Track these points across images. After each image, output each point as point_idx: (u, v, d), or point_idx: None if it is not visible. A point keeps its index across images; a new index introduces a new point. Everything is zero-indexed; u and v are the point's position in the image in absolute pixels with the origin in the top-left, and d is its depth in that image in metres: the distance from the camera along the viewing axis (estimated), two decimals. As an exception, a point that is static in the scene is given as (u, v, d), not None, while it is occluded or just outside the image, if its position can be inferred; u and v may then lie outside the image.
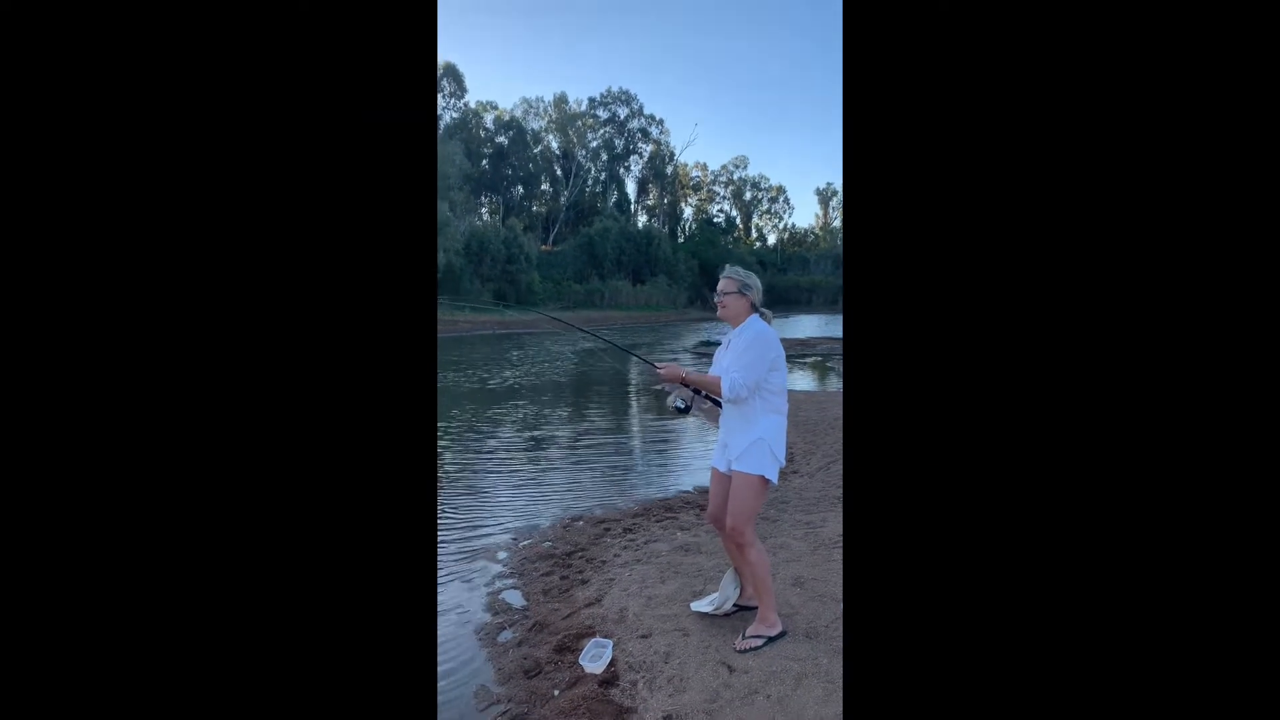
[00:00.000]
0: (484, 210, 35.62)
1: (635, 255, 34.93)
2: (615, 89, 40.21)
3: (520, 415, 7.36)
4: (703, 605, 2.43)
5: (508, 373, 11.13)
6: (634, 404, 8.61)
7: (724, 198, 51.28)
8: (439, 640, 2.45)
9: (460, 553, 3.31)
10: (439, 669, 2.27)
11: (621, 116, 40.13)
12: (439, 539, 3.48)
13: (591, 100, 39.40)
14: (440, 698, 2.12)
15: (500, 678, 2.22)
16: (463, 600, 2.80)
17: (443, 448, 5.61)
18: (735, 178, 51.56)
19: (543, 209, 38.12)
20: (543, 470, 5.00)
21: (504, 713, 2.03)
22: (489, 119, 37.21)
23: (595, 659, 2.21)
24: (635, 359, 2.90)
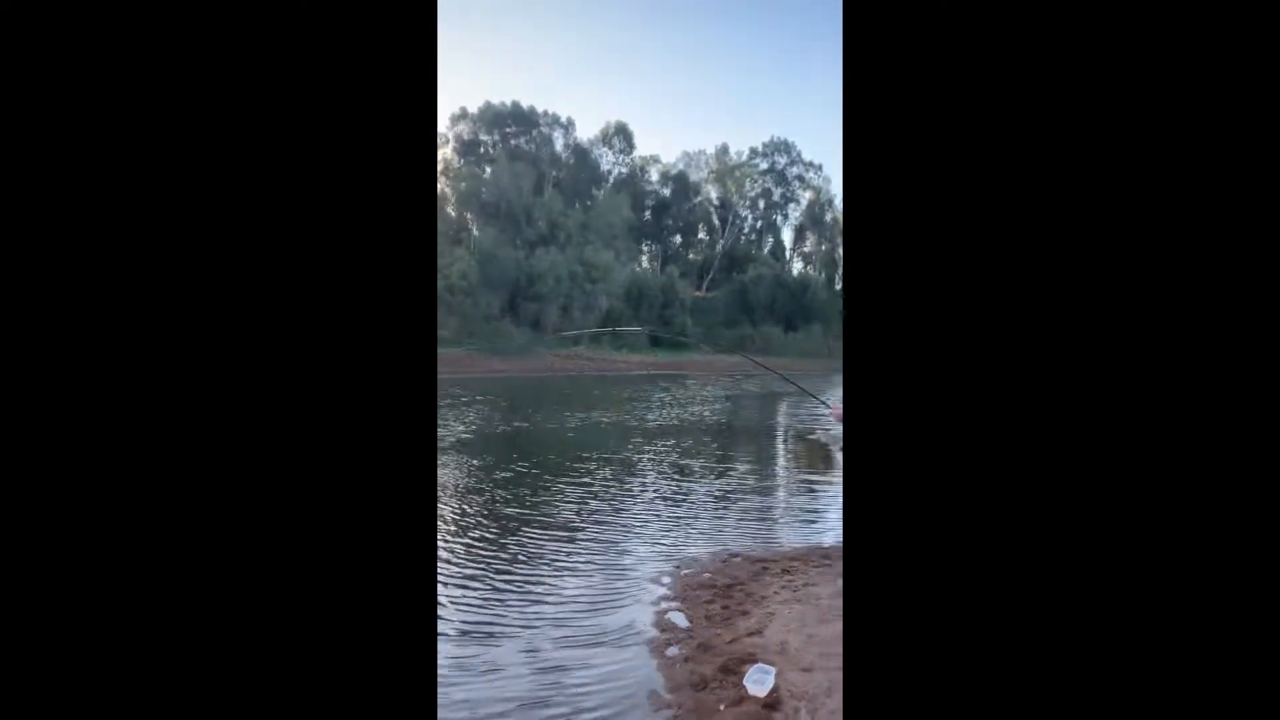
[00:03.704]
0: (644, 258, 37.48)
1: (789, 302, 34.56)
2: (776, 138, 40.71)
3: (671, 454, 7.66)
4: (865, 649, 2.48)
5: (652, 415, 11.54)
6: (782, 449, 8.57)
7: (886, 245, 49.00)
8: (613, 651, 2.74)
9: (627, 577, 3.61)
10: (610, 669, 2.54)
11: (780, 165, 40.47)
12: (605, 563, 3.82)
13: (753, 150, 40.30)
14: (617, 694, 2.39)
15: (670, 686, 2.44)
16: (634, 616, 3.07)
17: (606, 476, 6.05)
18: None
19: (699, 256, 39.22)
20: (696, 506, 5.21)
21: (674, 716, 2.25)
22: (654, 172, 39.41)
23: (759, 683, 2.35)
24: (813, 400, 3.06)
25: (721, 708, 2.26)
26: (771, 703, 2.26)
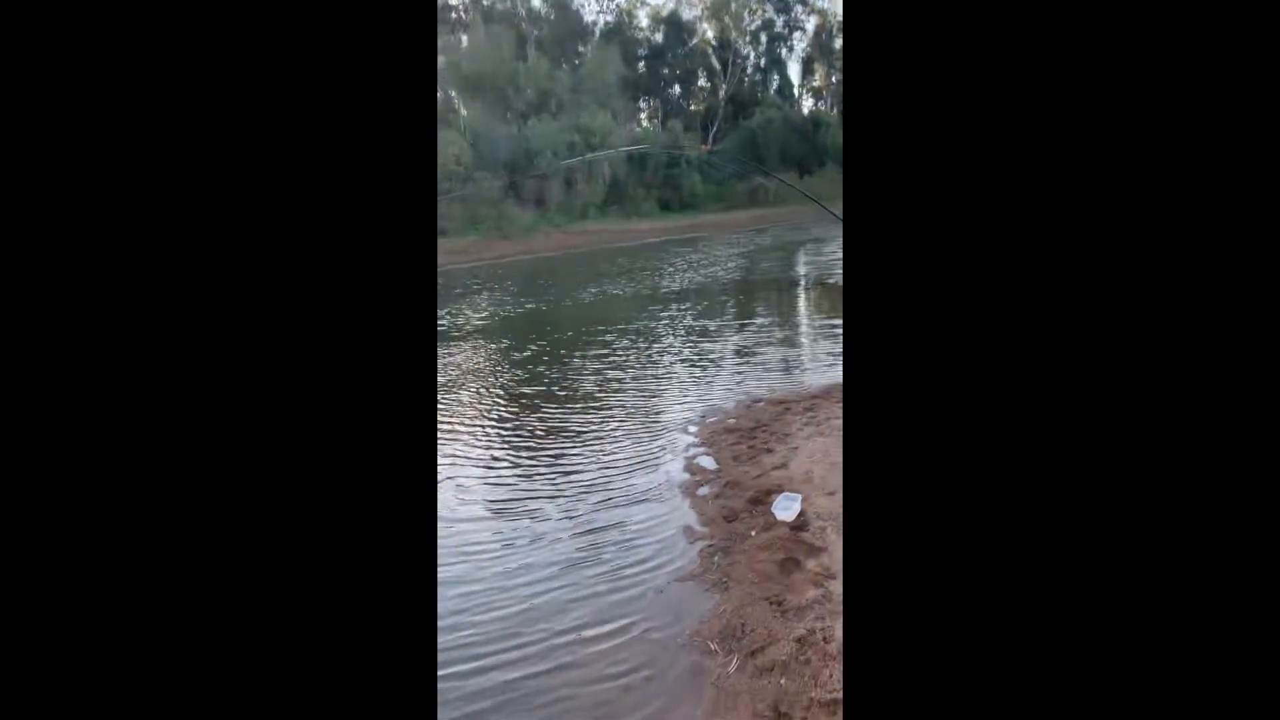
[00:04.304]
0: (643, 115, 35.25)
1: (801, 145, 32.65)
2: (774, -43, 36.31)
3: (695, 313, 7.67)
4: (887, 469, 2.58)
5: (666, 280, 11.42)
6: (803, 300, 8.51)
7: (903, 67, 45.16)
8: (649, 506, 2.89)
9: (654, 428, 3.74)
10: (646, 516, 2.70)
11: (781, -12, 36.45)
12: (630, 426, 3.95)
13: (748, -25, 36.16)
14: (652, 537, 2.56)
15: (703, 521, 2.60)
16: (663, 462, 3.22)
17: (626, 344, 6.12)
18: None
19: (701, 107, 36.69)
20: (719, 360, 5.29)
21: (709, 546, 2.41)
22: (643, 17, 35.98)
23: (786, 509, 2.49)
24: (832, 216, 2.70)
25: (752, 534, 2.41)
26: (799, 525, 2.40)
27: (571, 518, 2.78)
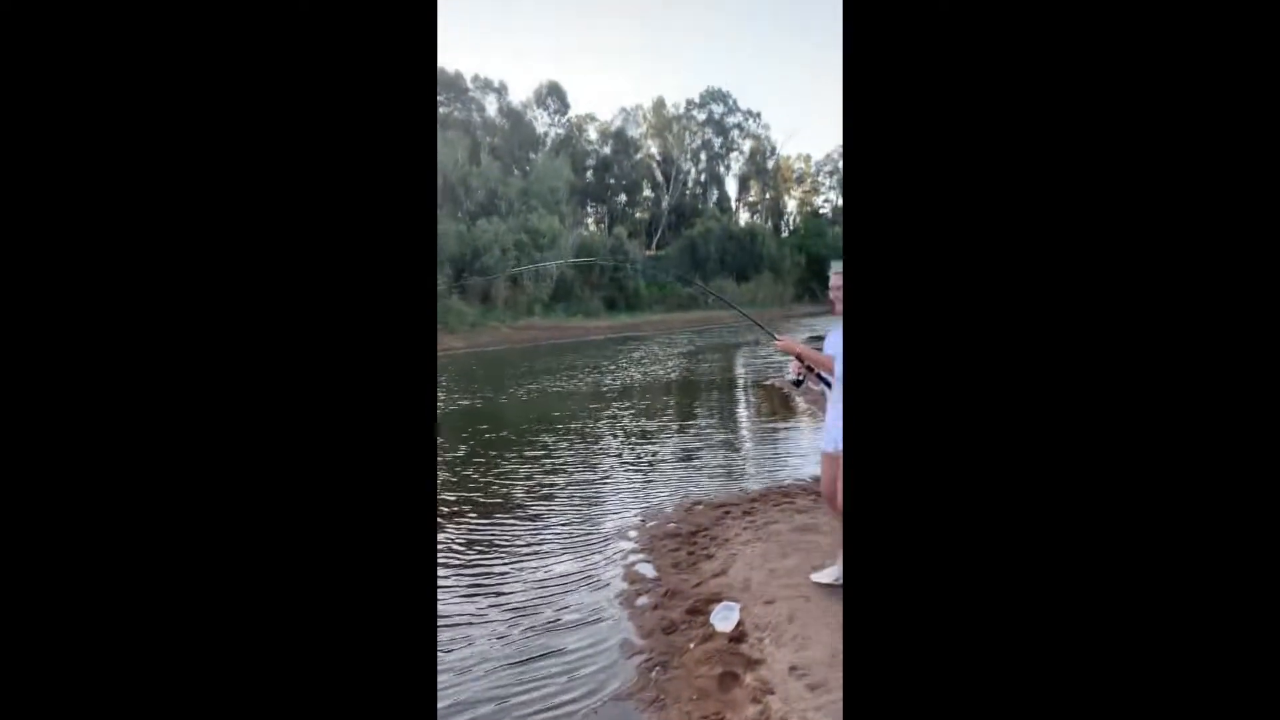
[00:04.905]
0: (590, 220, 36.95)
1: (738, 254, 34.80)
2: (712, 88, 40.25)
3: (635, 412, 7.73)
4: (823, 576, 2.61)
5: (608, 378, 11.55)
6: (743, 401, 8.75)
7: (830, 188, 49.66)
8: (584, 605, 2.80)
9: (593, 533, 3.67)
10: (587, 628, 2.61)
11: (718, 115, 40.13)
12: (570, 520, 3.87)
13: (689, 102, 39.77)
14: (590, 650, 2.46)
15: (641, 633, 2.53)
16: (601, 572, 3.14)
17: (563, 446, 6.07)
18: (840, 167, 49.73)
19: (645, 215, 38.88)
20: (659, 462, 5.30)
21: (647, 661, 2.34)
22: (592, 131, 38.58)
23: (724, 619, 2.46)
24: (764, 332, 2.78)
25: (691, 646, 2.36)
26: (737, 636, 2.37)
27: (505, 645, 2.51)
